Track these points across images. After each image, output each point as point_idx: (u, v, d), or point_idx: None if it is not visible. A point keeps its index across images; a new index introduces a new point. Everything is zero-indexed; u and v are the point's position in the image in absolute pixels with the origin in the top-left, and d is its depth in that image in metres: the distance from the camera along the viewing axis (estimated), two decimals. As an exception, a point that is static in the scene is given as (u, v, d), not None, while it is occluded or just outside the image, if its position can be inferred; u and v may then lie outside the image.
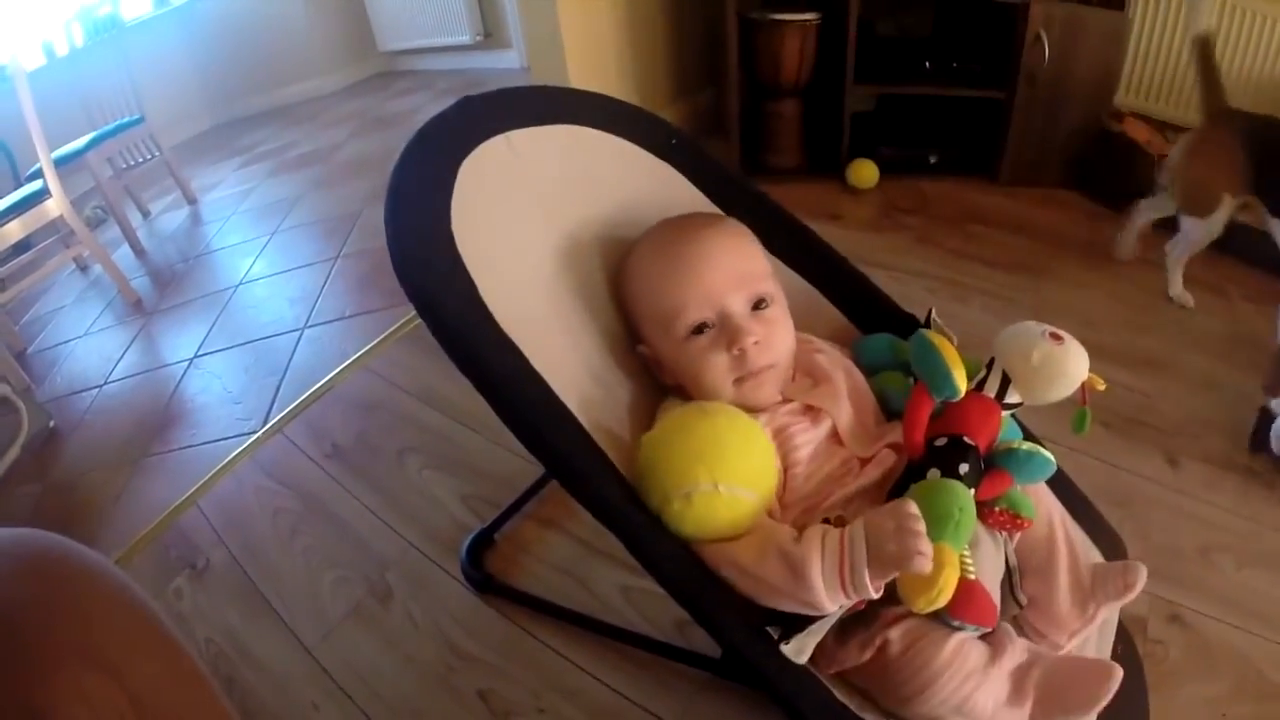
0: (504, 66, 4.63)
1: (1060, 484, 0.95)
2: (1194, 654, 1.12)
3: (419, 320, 0.77)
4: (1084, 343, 0.83)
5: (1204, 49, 1.64)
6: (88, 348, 2.67)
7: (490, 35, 4.67)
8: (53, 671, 0.40)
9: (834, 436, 0.87)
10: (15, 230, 2.68)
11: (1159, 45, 2.29)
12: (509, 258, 0.88)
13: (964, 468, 0.76)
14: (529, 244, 0.93)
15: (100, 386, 2.35)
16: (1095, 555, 0.96)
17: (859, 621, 0.76)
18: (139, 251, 3.34)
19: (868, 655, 0.75)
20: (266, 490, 1.67)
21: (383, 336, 2.09)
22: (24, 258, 2.95)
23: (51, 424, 2.19)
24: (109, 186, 3.36)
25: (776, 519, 0.80)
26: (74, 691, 0.40)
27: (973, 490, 0.76)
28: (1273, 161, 1.61)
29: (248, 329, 2.44)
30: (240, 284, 2.77)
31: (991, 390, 0.82)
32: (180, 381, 2.25)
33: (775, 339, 0.88)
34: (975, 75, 2.37)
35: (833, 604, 0.70)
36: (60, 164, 2.89)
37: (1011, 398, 0.82)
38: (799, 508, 0.82)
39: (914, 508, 0.69)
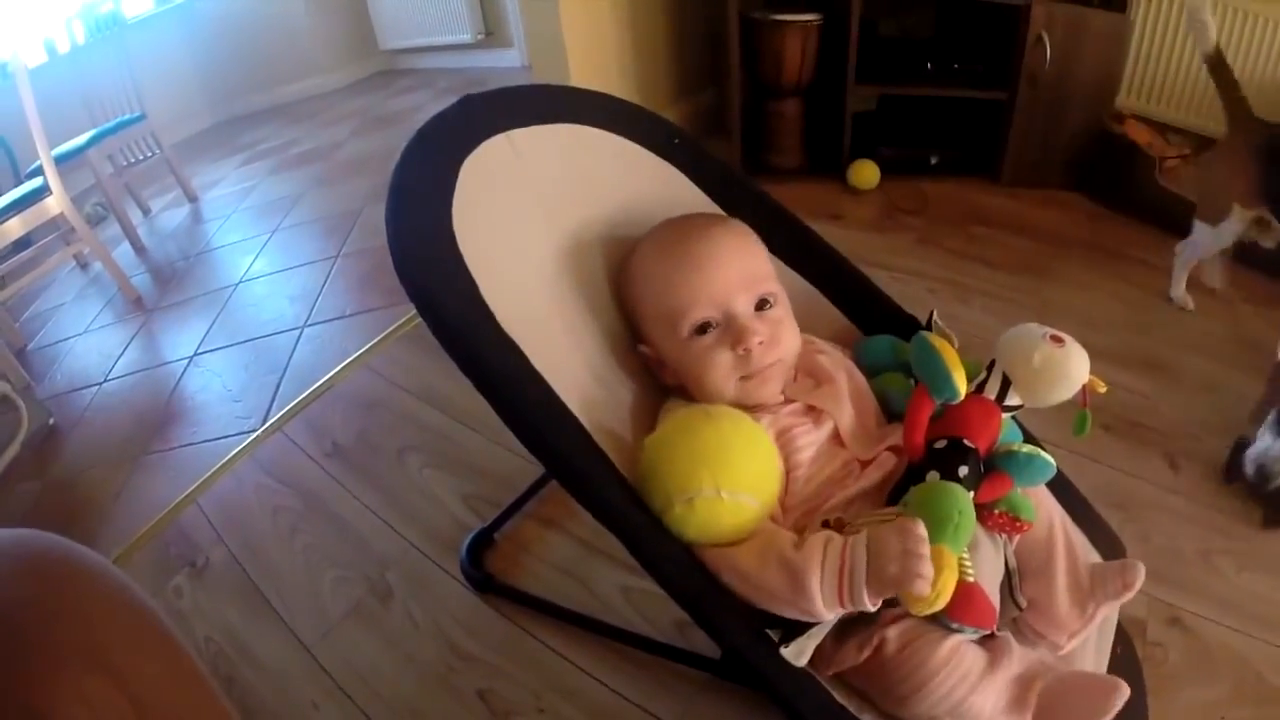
0: (505, 65, 4.63)
1: (1060, 486, 0.95)
2: (1193, 657, 1.12)
3: (419, 319, 0.77)
4: (1085, 344, 0.82)
5: (1217, 64, 1.63)
6: (88, 345, 2.67)
7: (491, 34, 4.67)
8: (53, 673, 0.40)
9: (835, 438, 0.87)
10: (15, 227, 2.68)
11: (1160, 47, 2.29)
12: (510, 257, 0.88)
13: (963, 470, 0.76)
14: (530, 243, 0.93)
15: (100, 384, 2.35)
16: (1094, 557, 0.96)
17: (857, 622, 0.75)
18: (139, 249, 3.34)
19: (865, 655, 0.75)
20: (266, 489, 1.67)
21: (383, 335, 2.09)
22: (24, 255, 2.95)
23: (51, 421, 2.19)
24: (109, 184, 3.35)
25: (778, 522, 0.80)
26: (74, 692, 0.40)
27: (972, 493, 0.76)
28: None
29: (248, 327, 2.44)
30: (240, 282, 2.77)
31: (992, 392, 0.82)
32: (180, 379, 2.25)
33: (780, 338, 0.87)
34: (977, 76, 2.36)
35: (830, 614, 0.70)
36: (61, 161, 2.89)
37: (1012, 400, 0.82)
38: (799, 510, 0.82)
39: (921, 528, 0.68)
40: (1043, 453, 0.80)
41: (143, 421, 2.10)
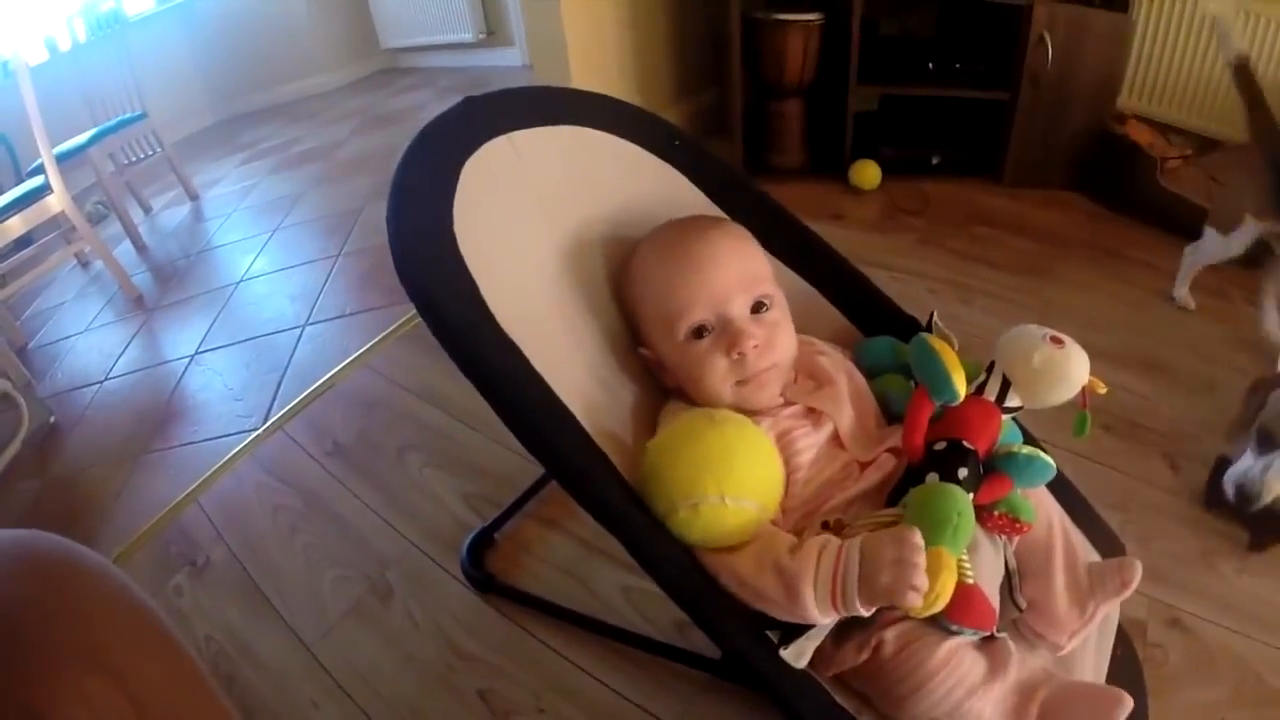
0: (506, 64, 4.63)
1: (1060, 487, 0.95)
2: (1193, 659, 1.12)
3: (420, 318, 0.77)
4: (1085, 344, 0.82)
5: (1243, 72, 1.60)
6: (89, 343, 2.67)
7: (493, 33, 4.67)
8: (54, 673, 0.40)
9: (835, 440, 0.87)
10: (17, 225, 2.68)
11: (1162, 48, 2.29)
12: (511, 258, 0.89)
13: (963, 472, 0.76)
14: (531, 245, 0.93)
15: (101, 382, 2.36)
16: (1094, 557, 0.96)
17: (856, 624, 0.75)
18: (140, 247, 3.34)
19: (864, 657, 0.75)
20: (267, 487, 1.67)
21: (384, 334, 2.09)
22: (25, 253, 2.95)
23: (52, 419, 2.19)
24: (111, 182, 3.36)
25: (778, 524, 0.80)
26: (75, 693, 0.40)
27: (972, 494, 0.76)
28: None
29: (249, 326, 2.45)
30: (241, 281, 2.78)
31: (992, 394, 0.82)
32: (181, 378, 2.26)
33: (776, 342, 0.87)
34: (978, 76, 2.36)
35: (825, 619, 0.71)
36: (62, 159, 2.89)
37: (1012, 401, 0.82)
38: (799, 511, 0.82)
39: (918, 537, 0.68)
40: (1042, 454, 0.80)
41: (143, 420, 2.10)
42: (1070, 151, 2.31)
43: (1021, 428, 0.94)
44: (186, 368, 2.30)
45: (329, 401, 1.91)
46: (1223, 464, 1.31)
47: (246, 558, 1.51)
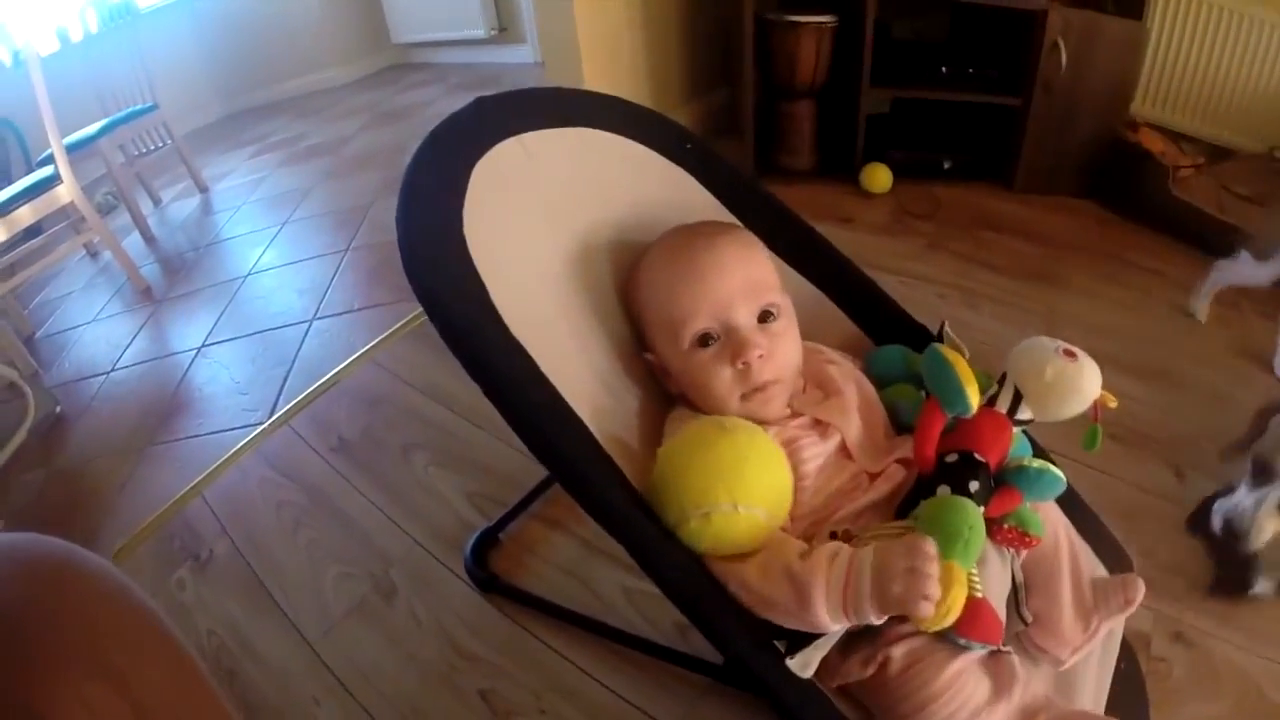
0: (517, 61, 4.62)
1: (1067, 499, 0.94)
2: (1196, 672, 1.12)
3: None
4: (1093, 353, 0.82)
5: None
6: (96, 334, 2.67)
7: (505, 30, 4.66)
8: (55, 677, 0.40)
9: (843, 450, 0.86)
10: (26, 215, 2.68)
11: (1176, 56, 2.28)
12: (520, 260, 0.88)
13: (974, 485, 0.76)
14: (540, 247, 0.93)
15: (108, 373, 2.36)
16: (1100, 570, 0.95)
17: (863, 637, 0.75)
18: (149, 239, 3.35)
19: (870, 671, 0.74)
20: (271, 482, 1.68)
21: (390, 331, 2.10)
22: (34, 243, 2.95)
23: (58, 409, 2.20)
24: (120, 173, 3.36)
25: (786, 531, 0.79)
26: (76, 697, 0.40)
27: (982, 508, 0.75)
28: None
29: (256, 319, 2.45)
30: (249, 274, 2.78)
31: (1003, 406, 0.81)
32: (187, 370, 2.26)
33: (780, 352, 0.87)
34: (991, 81, 2.35)
35: (835, 626, 0.70)
36: (72, 150, 2.89)
37: (1023, 414, 0.81)
38: (807, 520, 0.82)
39: (931, 547, 0.68)
40: (1053, 467, 0.80)
41: (149, 412, 2.10)
42: (1082, 158, 2.30)
43: (1031, 439, 0.94)
44: (193, 360, 2.30)
45: (334, 397, 1.91)
46: (1219, 491, 1.26)
47: (250, 553, 1.51)
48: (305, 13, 4.94)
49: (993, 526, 0.78)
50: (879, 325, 1.05)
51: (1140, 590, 0.86)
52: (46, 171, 2.79)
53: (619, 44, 2.48)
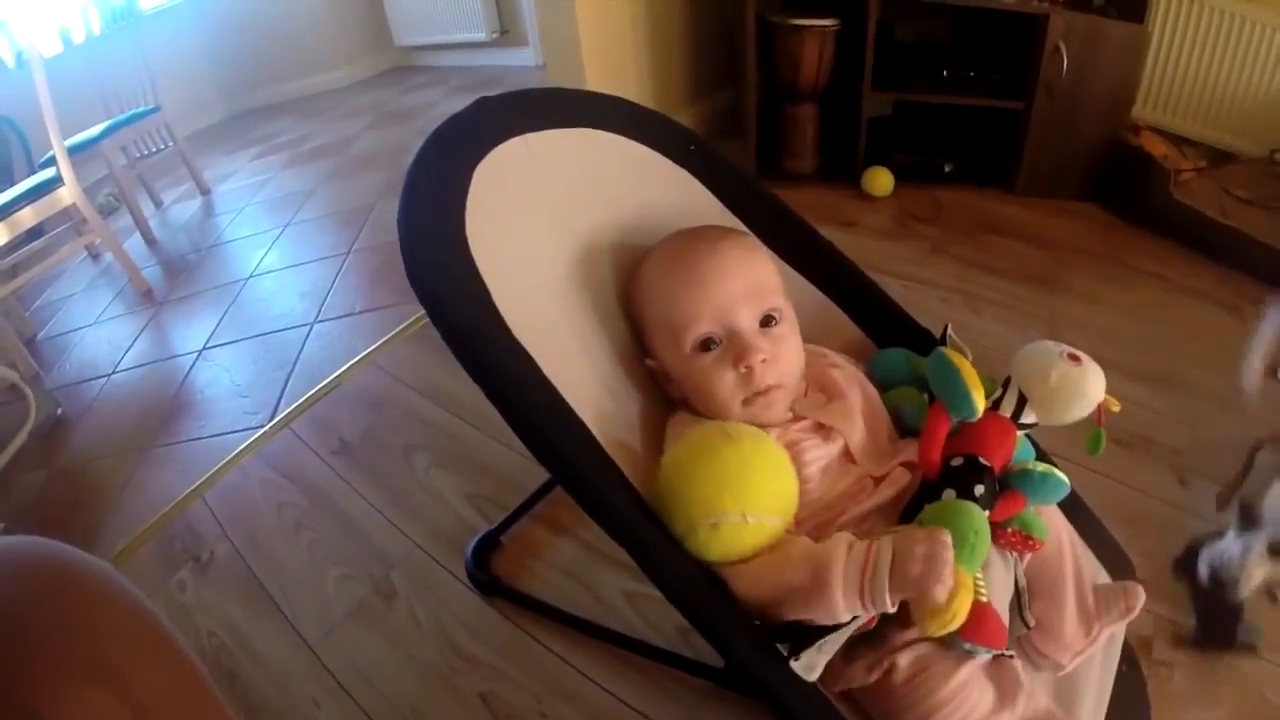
0: (519, 64, 4.63)
1: (1070, 503, 0.94)
2: (1198, 677, 1.11)
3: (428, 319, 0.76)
4: (1096, 356, 0.82)
5: None
6: (97, 336, 2.67)
7: (507, 32, 4.67)
8: (56, 681, 0.40)
9: (846, 454, 0.86)
10: (28, 217, 2.68)
11: (1178, 59, 2.29)
12: (522, 262, 0.88)
13: (979, 489, 0.75)
14: (543, 248, 0.92)
15: (109, 375, 2.36)
16: (1102, 576, 0.95)
17: (868, 642, 0.75)
18: (150, 241, 3.35)
19: (874, 677, 0.74)
20: (272, 484, 1.67)
21: (392, 334, 2.09)
22: (36, 244, 2.96)
23: (59, 411, 2.20)
24: (122, 175, 3.36)
25: (792, 533, 0.79)
26: (77, 702, 0.40)
27: (987, 512, 0.75)
28: None
29: (257, 322, 2.45)
30: (251, 276, 2.78)
31: (1008, 410, 0.81)
32: (189, 373, 2.26)
33: (783, 357, 0.86)
34: (993, 85, 2.35)
35: (848, 610, 0.69)
36: (75, 151, 2.89)
37: (1027, 418, 0.81)
38: (811, 524, 0.81)
39: (948, 536, 0.67)
40: (1057, 471, 0.80)
41: (150, 414, 2.10)
42: (1084, 162, 2.30)
43: (1034, 443, 0.93)
44: (194, 362, 2.30)
45: (336, 399, 1.91)
46: (1210, 534, 1.22)
47: (250, 554, 1.51)
48: (308, 14, 4.95)
49: (996, 530, 0.78)
50: (882, 328, 1.05)
51: (1140, 598, 0.86)
52: (49, 173, 2.79)
53: (621, 45, 2.49)
